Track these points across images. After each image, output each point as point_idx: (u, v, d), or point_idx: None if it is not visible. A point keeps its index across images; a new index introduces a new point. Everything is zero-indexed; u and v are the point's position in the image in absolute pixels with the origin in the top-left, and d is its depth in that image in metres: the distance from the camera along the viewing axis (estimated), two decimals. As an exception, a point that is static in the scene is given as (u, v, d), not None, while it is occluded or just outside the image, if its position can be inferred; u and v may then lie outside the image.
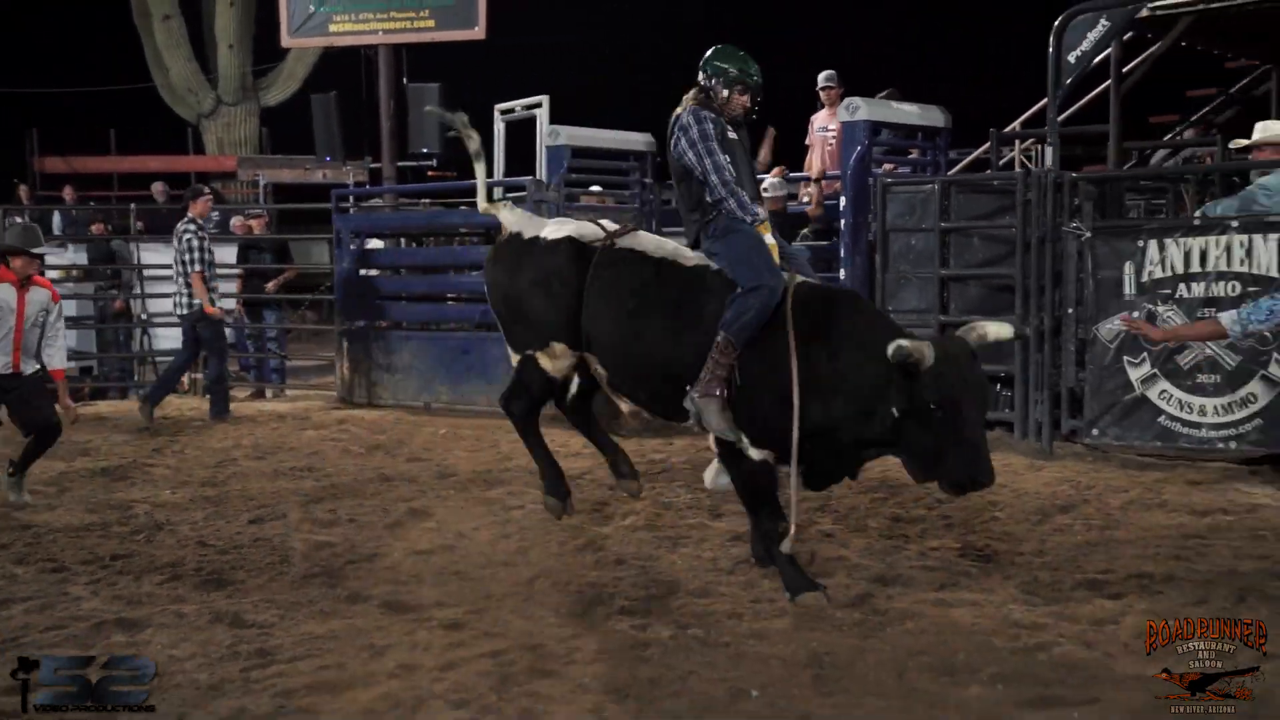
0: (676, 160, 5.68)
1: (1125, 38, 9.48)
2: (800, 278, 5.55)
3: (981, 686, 4.29)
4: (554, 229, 5.99)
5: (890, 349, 4.93)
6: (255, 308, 12.83)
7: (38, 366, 7.58)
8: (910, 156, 10.42)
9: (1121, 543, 6.16)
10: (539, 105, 12.10)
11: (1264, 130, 7.49)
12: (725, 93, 5.72)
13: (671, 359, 5.52)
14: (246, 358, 13.13)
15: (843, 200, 9.50)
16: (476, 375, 11.00)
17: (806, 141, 11.07)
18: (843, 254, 9.49)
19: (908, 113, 9.81)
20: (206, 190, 11.96)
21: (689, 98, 5.76)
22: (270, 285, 12.76)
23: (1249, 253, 7.56)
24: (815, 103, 11.20)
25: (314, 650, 4.77)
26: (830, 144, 10.58)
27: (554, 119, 11.76)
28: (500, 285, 6.09)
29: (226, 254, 12.68)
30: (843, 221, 9.49)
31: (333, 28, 15.59)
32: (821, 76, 10.97)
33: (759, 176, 9.55)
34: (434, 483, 7.99)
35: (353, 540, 6.53)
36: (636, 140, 11.13)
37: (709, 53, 5.79)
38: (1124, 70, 9.65)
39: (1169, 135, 12.04)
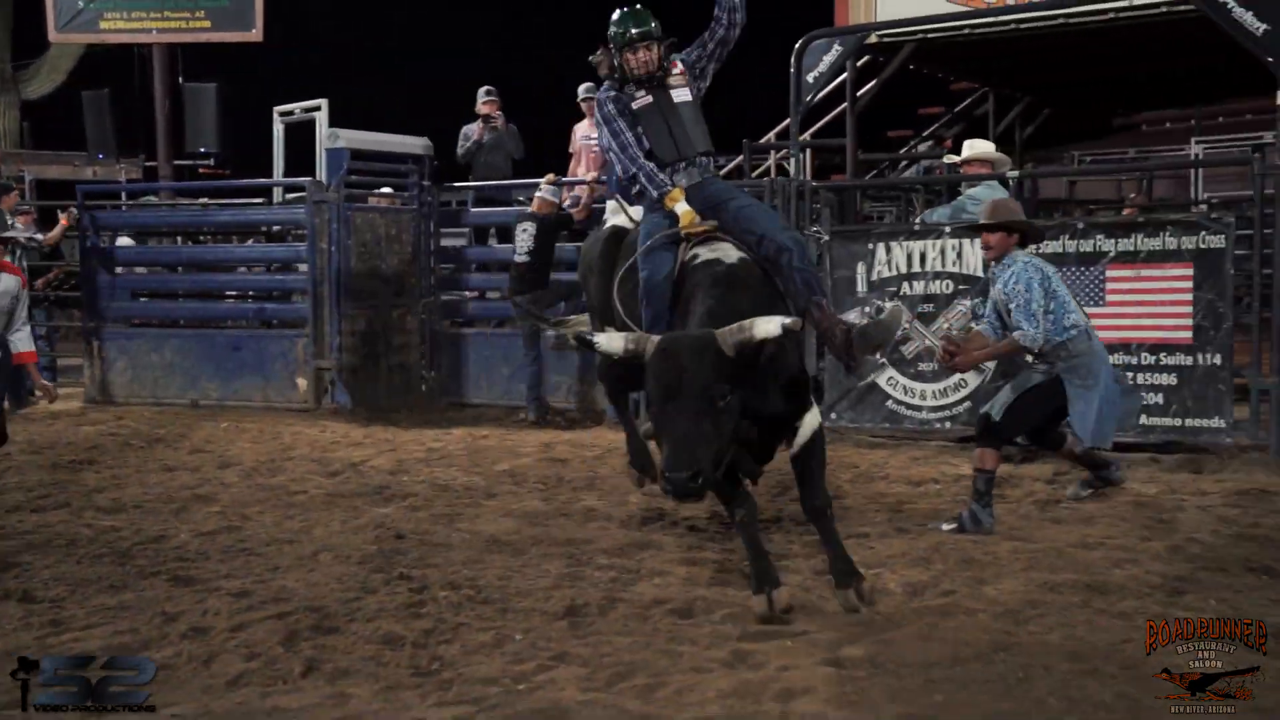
0: None
1: (859, 63, 10.52)
2: (708, 255, 5.53)
3: (713, 624, 4.98)
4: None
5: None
6: (24, 305, 12.62)
7: None
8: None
9: (848, 509, 6.99)
10: (318, 108, 12.39)
11: (971, 148, 8.53)
12: (616, 60, 5.75)
13: None
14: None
15: (609, 205, 10.17)
16: (251, 371, 11.20)
17: (570, 150, 11.81)
18: (609, 254, 10.18)
19: (665, 124, 10.57)
20: (14, 186, 11.82)
21: (603, 73, 5.82)
22: (39, 283, 12.59)
23: (959, 255, 8.59)
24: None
25: (107, 619, 5.09)
26: (594, 151, 11.32)
27: (334, 122, 12.08)
28: None
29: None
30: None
31: (104, 24, 15.33)
32: (581, 89, 11.73)
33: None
34: (217, 472, 8.27)
35: (139, 524, 6.81)
36: (414, 144, 11.57)
37: None
38: (859, 91, 10.70)
39: (904, 149, 13.25)
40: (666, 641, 4.78)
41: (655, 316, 5.65)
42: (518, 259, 10.32)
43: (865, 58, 10.67)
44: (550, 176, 10.88)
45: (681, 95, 5.75)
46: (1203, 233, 7.86)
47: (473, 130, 12.01)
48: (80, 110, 16.14)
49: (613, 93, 5.73)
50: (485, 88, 11.98)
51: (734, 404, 4.86)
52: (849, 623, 4.96)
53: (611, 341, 5.07)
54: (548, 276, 10.31)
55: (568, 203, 10.96)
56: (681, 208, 5.59)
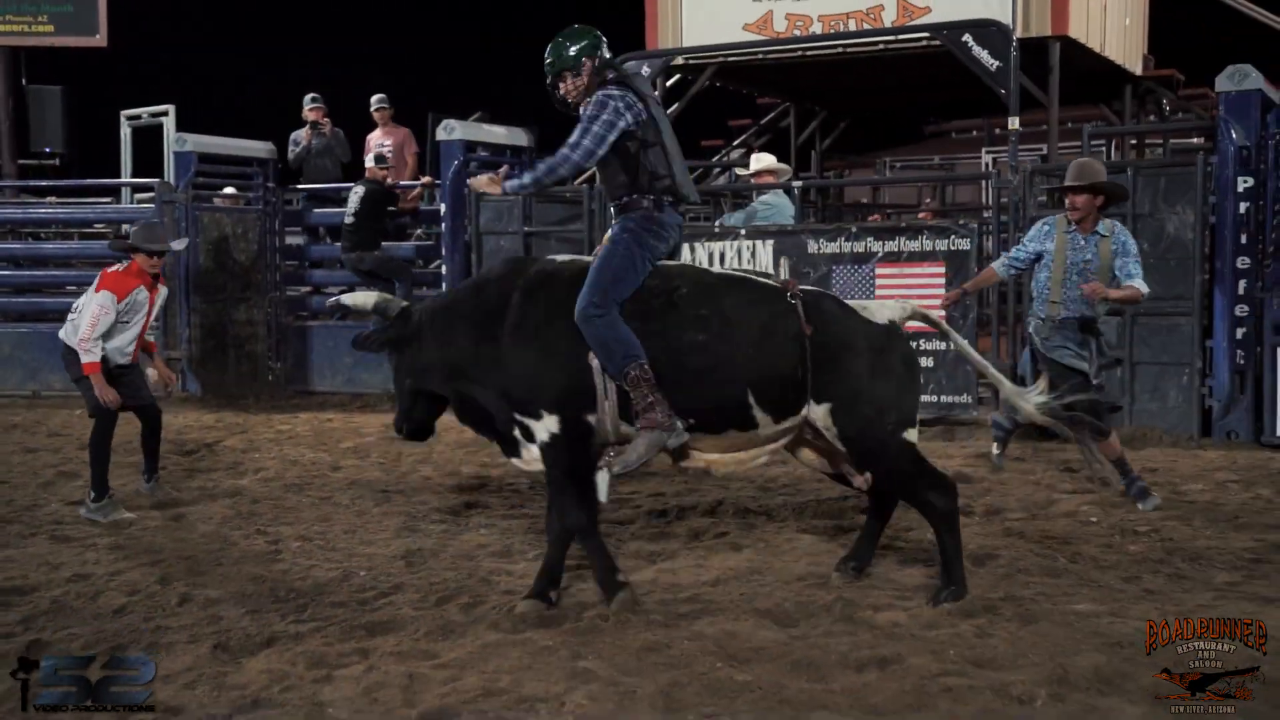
0: None
1: (669, 81, 11.68)
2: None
3: (528, 562, 5.97)
4: None
5: None
6: None
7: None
8: (502, 170, 12.13)
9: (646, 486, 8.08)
10: (165, 113, 12.97)
11: (758, 161, 9.72)
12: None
13: None
14: None
15: (443, 207, 11.13)
16: (99, 363, 11.70)
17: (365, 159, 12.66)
18: (444, 252, 11.15)
19: (496, 133, 11.62)
20: None
21: None
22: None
23: (753, 254, 9.78)
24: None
25: (-4, 569, 5.87)
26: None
27: (182, 126, 12.69)
28: None
29: None
30: (444, 225, 11.14)
31: (-59, 26, 15.42)
32: (374, 100, 12.64)
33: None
34: (78, 452, 8.90)
35: (9, 496, 7.51)
36: (259, 148, 12.29)
37: None
38: (669, 108, 11.83)
39: (716, 156, 14.50)
40: (487, 574, 5.79)
41: None
42: (346, 220, 11.27)
43: (675, 76, 11.84)
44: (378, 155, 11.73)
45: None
46: (953, 236, 9.20)
47: (301, 136, 12.75)
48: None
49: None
50: (311, 95, 12.69)
51: (399, 364, 5.77)
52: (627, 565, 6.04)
53: (362, 298, 5.97)
54: (376, 240, 11.29)
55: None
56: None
